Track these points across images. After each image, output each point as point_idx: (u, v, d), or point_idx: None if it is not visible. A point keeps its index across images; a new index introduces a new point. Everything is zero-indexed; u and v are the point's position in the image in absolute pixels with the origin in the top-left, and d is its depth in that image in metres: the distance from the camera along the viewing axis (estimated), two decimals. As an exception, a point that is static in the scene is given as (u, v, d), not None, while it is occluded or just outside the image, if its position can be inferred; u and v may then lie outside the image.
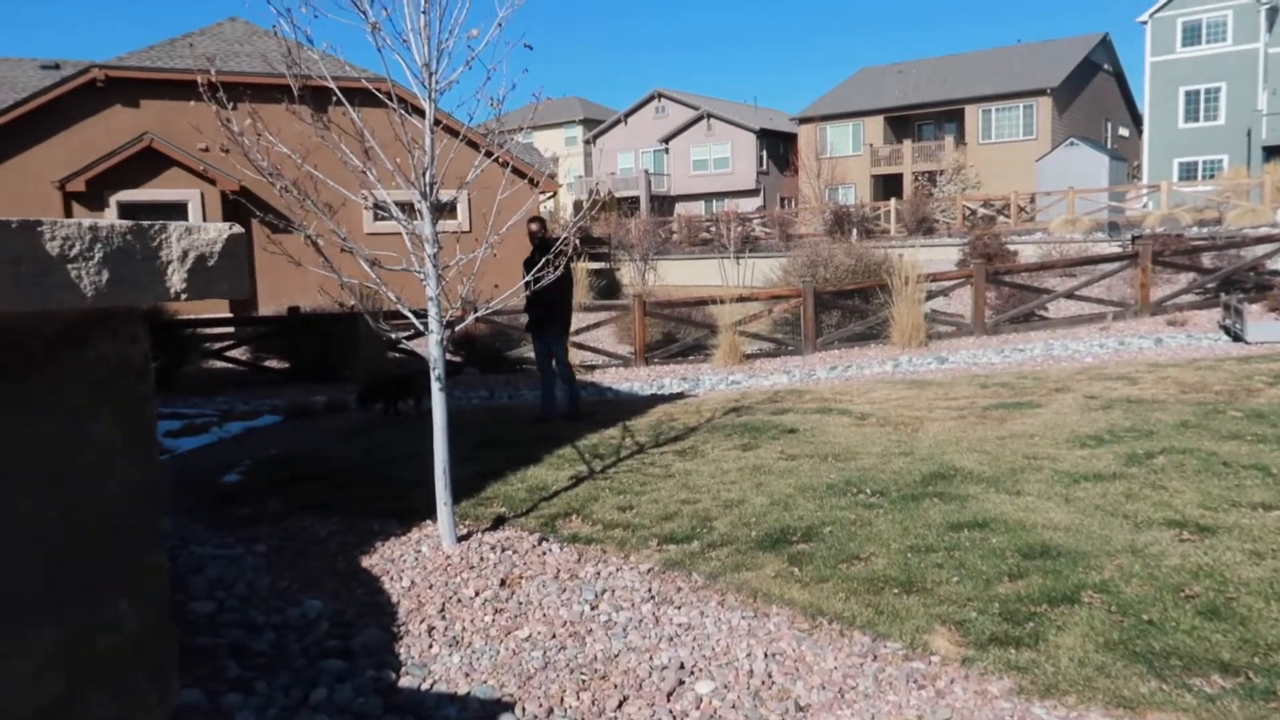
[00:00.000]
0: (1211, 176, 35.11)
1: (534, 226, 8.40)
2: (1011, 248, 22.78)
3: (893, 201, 36.12)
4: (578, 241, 5.96)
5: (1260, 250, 15.52)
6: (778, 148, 55.02)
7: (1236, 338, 11.58)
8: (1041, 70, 44.24)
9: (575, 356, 13.39)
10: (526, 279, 5.66)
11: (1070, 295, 14.93)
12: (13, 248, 0.58)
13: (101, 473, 0.66)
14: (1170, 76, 38.46)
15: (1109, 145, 44.31)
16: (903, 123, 48.76)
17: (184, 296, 0.66)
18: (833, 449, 6.81)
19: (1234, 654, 3.37)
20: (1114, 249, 21.22)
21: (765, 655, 3.72)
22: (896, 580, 4.27)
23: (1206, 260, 16.12)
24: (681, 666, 3.71)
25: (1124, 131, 48.88)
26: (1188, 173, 37.44)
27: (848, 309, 14.50)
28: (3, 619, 0.60)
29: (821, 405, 8.82)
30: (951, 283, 15.08)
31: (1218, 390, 8.11)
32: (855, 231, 31.88)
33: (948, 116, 47.29)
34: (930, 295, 14.35)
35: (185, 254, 0.66)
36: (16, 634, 0.60)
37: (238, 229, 0.75)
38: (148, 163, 20.56)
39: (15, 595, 0.60)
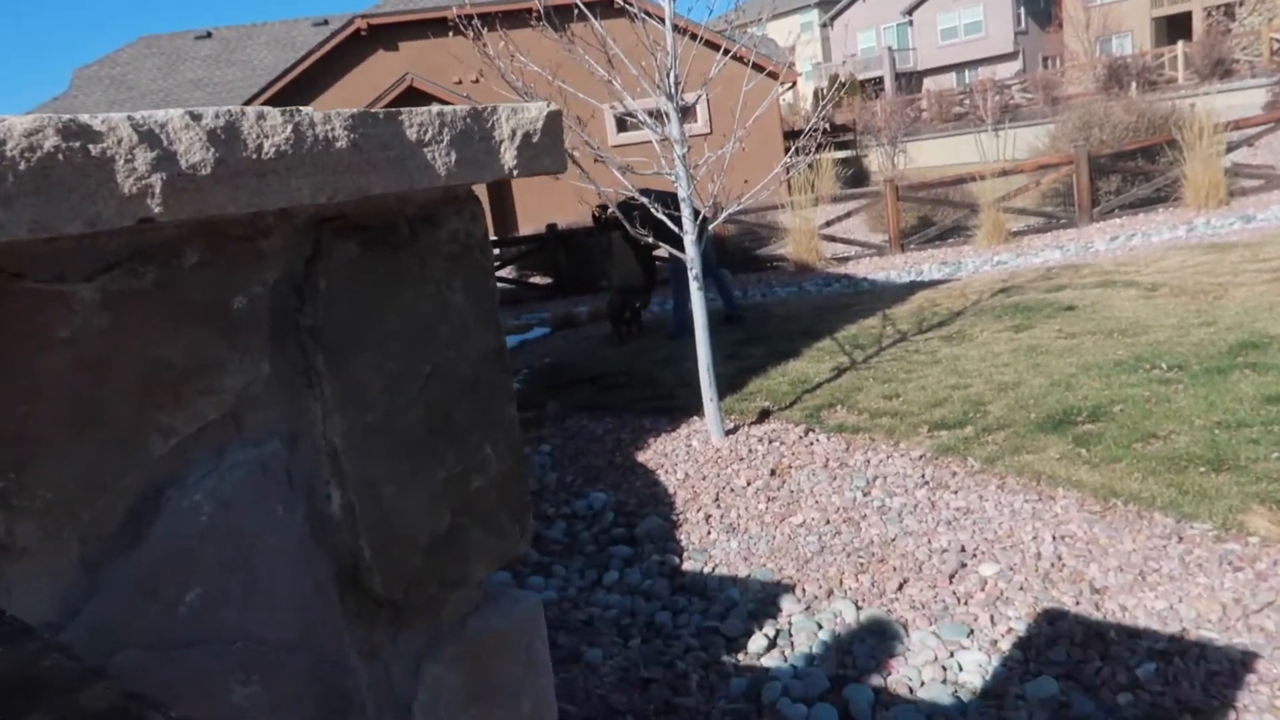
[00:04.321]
0: None
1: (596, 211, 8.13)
2: (1336, 80, 19.53)
3: (1180, 45, 31.80)
4: (829, 126, 5.78)
5: None
6: (1037, 2, 49.93)
7: None
8: None
9: (826, 249, 13.16)
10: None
11: None
12: (382, 136, 0.67)
13: (460, 336, 0.76)
14: None
15: None
16: (1189, -49, 42.50)
17: (515, 173, 0.74)
18: (1118, 324, 6.29)
19: None
20: None
21: (1053, 538, 3.59)
22: (1202, 458, 3.93)
23: None
24: (962, 550, 3.66)
25: None
26: None
27: (1129, 172, 13.10)
28: (404, 460, 0.71)
29: (1103, 279, 8.13)
30: (1258, 129, 13.20)
31: None
32: (1135, 85, 28.51)
33: (1247, -64, 40.65)
34: (1231, 147, 12.64)
35: (514, 132, 0.73)
36: (414, 472, 0.72)
37: (555, 106, 0.82)
38: (410, 101, 22.06)
39: (410, 441, 0.72)
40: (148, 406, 0.66)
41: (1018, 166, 14.00)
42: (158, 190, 0.59)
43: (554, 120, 0.77)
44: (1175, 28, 40.96)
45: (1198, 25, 38.33)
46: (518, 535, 0.88)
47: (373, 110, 0.68)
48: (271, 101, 21.80)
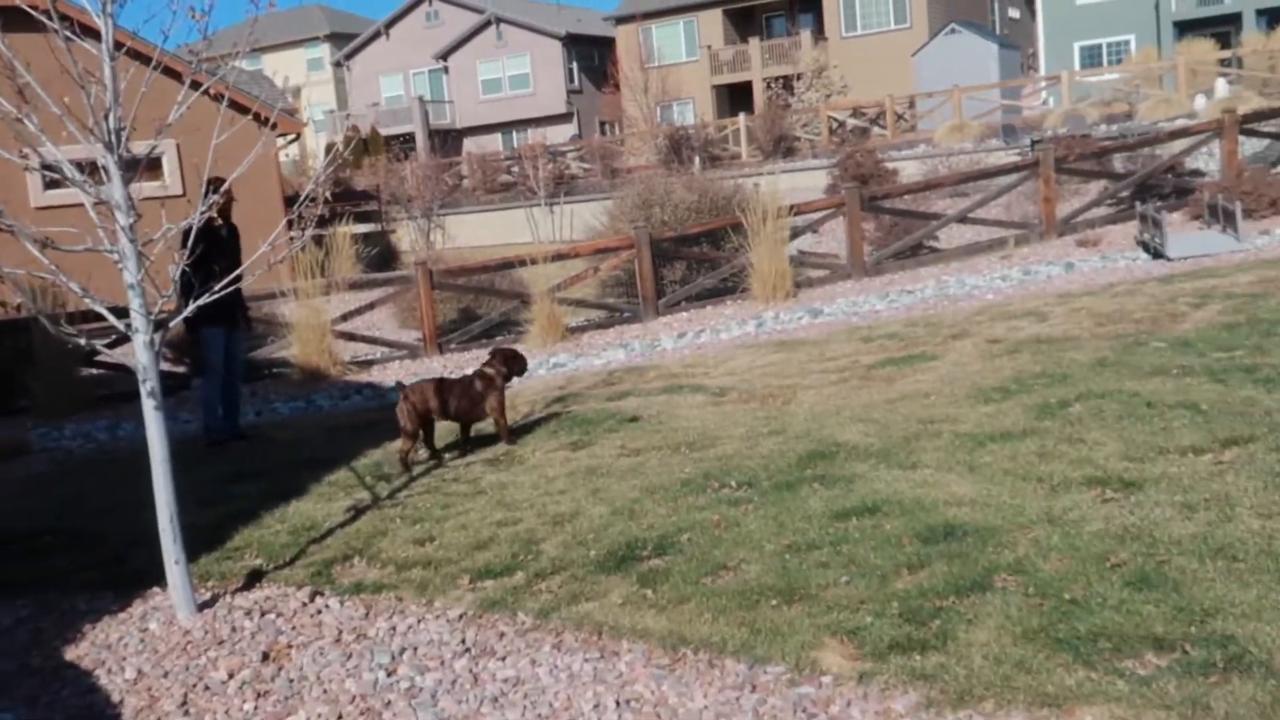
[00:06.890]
0: (1118, 61, 37.75)
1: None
2: (890, 165, 23.93)
3: (742, 118, 37.10)
4: (329, 196, 5.86)
5: (1177, 147, 16.79)
6: (591, 58, 55.35)
7: (1157, 254, 12.59)
8: (909, -59, 46.20)
9: (344, 350, 13.18)
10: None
11: (963, 219, 15.80)
12: None
13: None
14: (1061, -58, 40.96)
15: (998, 30, 46.85)
16: (747, 16, 49.94)
17: None
18: (686, 436, 7.01)
19: (1168, 626, 3.71)
20: (1011, 158, 22.58)
21: (617, 704, 3.83)
22: (774, 589, 4.46)
23: (1118, 164, 17.40)
24: (512, 733, 3.77)
25: (1014, 13, 51.76)
26: (1091, 58, 40.05)
27: (694, 258, 14.81)
28: None
29: (669, 383, 9.04)
30: (820, 214, 15.67)
31: (1138, 319, 8.82)
32: (698, 159, 32.58)
33: (802, 5, 48.72)
34: (796, 233, 14.85)
35: None
36: None
37: None
38: None
39: None
40: None
41: (574, 249, 15.23)
42: None
43: None
44: (737, 99, 47.72)
45: (759, 97, 44.99)
46: None
47: None
48: None
